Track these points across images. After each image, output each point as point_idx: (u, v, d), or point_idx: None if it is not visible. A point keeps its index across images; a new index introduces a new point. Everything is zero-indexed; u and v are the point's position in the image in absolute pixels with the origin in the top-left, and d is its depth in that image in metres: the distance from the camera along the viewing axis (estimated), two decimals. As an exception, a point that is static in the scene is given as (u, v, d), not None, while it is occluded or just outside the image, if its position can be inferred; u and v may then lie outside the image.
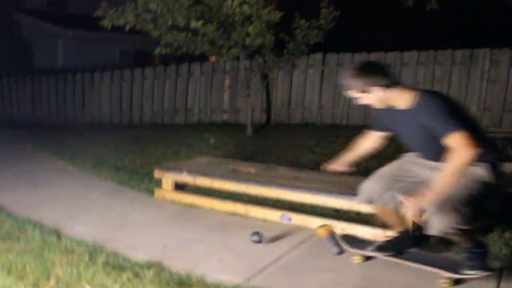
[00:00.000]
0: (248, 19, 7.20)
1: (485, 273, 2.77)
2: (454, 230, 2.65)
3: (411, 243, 3.17)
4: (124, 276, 2.89)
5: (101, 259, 3.14)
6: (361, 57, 8.88)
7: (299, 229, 3.82)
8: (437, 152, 2.74)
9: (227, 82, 10.09)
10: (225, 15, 7.11)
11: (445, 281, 2.81)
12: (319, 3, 7.96)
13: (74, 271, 2.95)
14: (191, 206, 4.44)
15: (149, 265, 3.06)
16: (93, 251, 3.30)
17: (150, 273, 2.94)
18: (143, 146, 7.30)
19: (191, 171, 4.54)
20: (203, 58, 9.78)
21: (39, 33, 15.37)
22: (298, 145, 7.23)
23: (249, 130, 8.38)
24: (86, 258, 3.15)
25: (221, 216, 4.18)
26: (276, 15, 7.05)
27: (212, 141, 7.80)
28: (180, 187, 4.76)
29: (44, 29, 15.07)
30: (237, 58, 8.42)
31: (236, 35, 7.38)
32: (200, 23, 7.03)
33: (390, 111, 2.92)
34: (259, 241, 3.47)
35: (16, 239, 3.50)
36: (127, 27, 7.40)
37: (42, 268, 3.00)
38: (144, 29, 7.53)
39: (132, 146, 7.34)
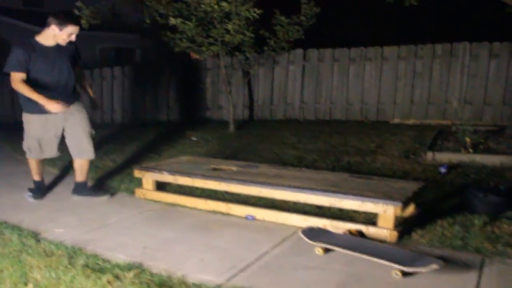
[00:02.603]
0: (227, 16, 7.16)
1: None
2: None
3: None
4: (104, 279, 2.85)
5: (80, 261, 3.09)
6: (341, 52, 8.92)
7: (282, 226, 3.82)
8: None
9: (208, 79, 10.04)
10: (204, 12, 7.06)
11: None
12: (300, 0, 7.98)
13: (53, 274, 2.91)
14: (173, 205, 4.41)
15: (129, 267, 3.03)
16: (73, 253, 3.25)
17: (130, 275, 2.90)
18: (123, 145, 7.22)
19: (171, 171, 4.50)
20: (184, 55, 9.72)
21: (16, 32, 15.14)
22: (280, 142, 7.23)
23: (231, 127, 8.35)
24: (65, 261, 3.10)
25: (203, 215, 4.16)
26: (255, 12, 7.01)
27: (194, 138, 7.78)
28: (161, 186, 4.72)
29: (22, 29, 14.90)
30: (218, 55, 8.39)
31: (216, 32, 7.34)
32: (178, 20, 6.97)
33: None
34: None
35: (-8, 243, 3.44)
36: (106, 26, 7.33)
37: (19, 272, 2.95)
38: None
39: (109, 145, 7.26)
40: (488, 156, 5.63)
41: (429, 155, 5.75)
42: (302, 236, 3.33)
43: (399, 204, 3.38)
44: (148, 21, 7.18)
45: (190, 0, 7.03)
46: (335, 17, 11.77)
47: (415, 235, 3.52)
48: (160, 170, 4.56)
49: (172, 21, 6.97)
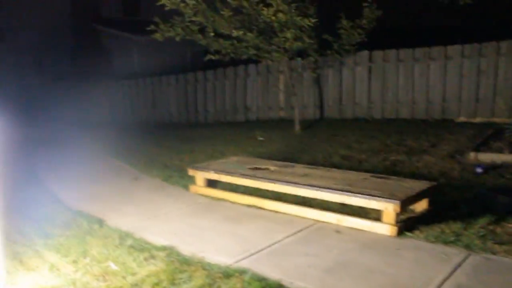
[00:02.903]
0: (285, 25, 7.74)
1: None
2: None
3: None
4: (142, 256, 3.61)
5: (128, 243, 3.89)
6: (406, 53, 9.11)
7: (302, 220, 4.36)
8: None
9: (281, 81, 10.67)
10: (264, 23, 7.72)
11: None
12: (362, 3, 8.32)
13: (105, 251, 3.72)
14: (218, 200, 5.12)
15: (164, 248, 3.76)
16: (124, 236, 4.05)
17: (162, 254, 3.64)
18: (195, 145, 8.10)
19: (217, 170, 5.21)
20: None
21: (116, 41, 16.83)
22: (338, 141, 7.67)
23: (297, 127, 8.92)
24: (117, 242, 3.91)
25: (240, 208, 4.82)
26: (310, 22, 7.52)
27: (261, 138, 8.45)
28: (212, 183, 5.43)
29: (121, 37, 16.49)
30: (290, 58, 9.00)
31: (277, 40, 7.96)
32: (241, 32, 7.70)
33: None
34: None
35: (68, 227, 4.34)
36: (178, 38, 8.25)
37: (82, 249, 3.79)
38: (193, 39, 8.33)
39: (185, 145, 8.18)
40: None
41: (472, 155, 5.93)
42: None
43: (398, 202, 3.79)
44: (212, 33, 7.98)
45: (251, 13, 7.71)
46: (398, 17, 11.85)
47: (416, 231, 3.90)
48: (208, 169, 5.28)
49: (235, 33, 7.71)
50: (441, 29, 12.30)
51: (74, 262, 3.57)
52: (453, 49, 8.71)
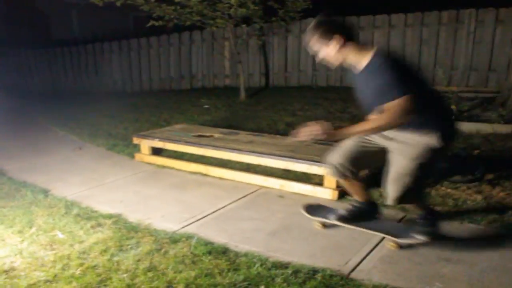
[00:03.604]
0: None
1: (429, 239, 3.08)
2: (407, 199, 2.96)
3: (370, 213, 3.45)
4: (89, 224, 3.65)
5: (74, 212, 3.92)
6: (351, 21, 9.28)
7: (247, 186, 4.52)
8: None
9: (227, 48, 10.65)
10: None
11: (393, 244, 3.15)
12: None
13: (51, 220, 3.74)
14: (163, 167, 5.19)
15: (110, 216, 3.81)
16: (70, 206, 4.07)
17: (109, 222, 3.70)
18: (139, 114, 8.06)
19: (161, 138, 5.26)
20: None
21: (53, 3, 16.03)
22: (283, 109, 7.83)
23: (242, 95, 9.00)
24: (63, 211, 3.93)
25: (185, 175, 4.91)
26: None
27: (206, 106, 8.49)
28: (157, 151, 5.48)
29: (57, 0, 15.71)
30: (235, 25, 8.98)
31: (221, 6, 7.94)
32: None
33: (353, 75, 2.92)
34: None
35: (12, 198, 4.30)
36: (118, 3, 8.08)
37: (27, 219, 3.78)
38: (135, 4, 8.16)
39: (130, 113, 8.12)
40: (465, 124, 6.04)
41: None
42: (304, 212, 3.61)
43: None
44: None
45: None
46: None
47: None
48: (152, 137, 5.33)
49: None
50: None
51: (20, 232, 3.57)
52: (397, 18, 8.95)
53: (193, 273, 2.85)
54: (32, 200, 4.23)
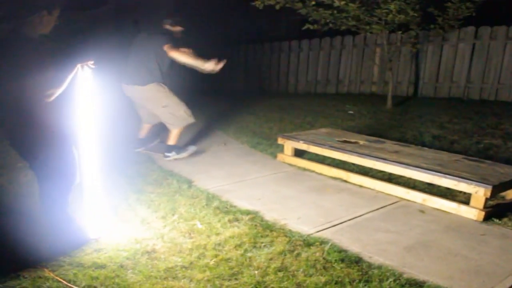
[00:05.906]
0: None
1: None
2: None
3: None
4: (226, 218, 3.73)
5: (214, 204, 4.03)
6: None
7: (387, 196, 4.28)
8: None
9: (377, 55, 10.33)
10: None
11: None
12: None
13: (192, 210, 3.89)
14: (304, 170, 5.14)
15: (248, 212, 3.86)
16: (211, 198, 4.20)
17: (246, 218, 3.74)
18: (284, 115, 8.13)
19: (306, 140, 5.21)
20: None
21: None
22: (431, 120, 7.35)
23: (389, 103, 8.65)
24: (204, 202, 4.07)
25: (325, 179, 4.82)
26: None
27: (351, 112, 8.30)
28: (299, 153, 5.45)
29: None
30: (390, 32, 8.68)
31: (379, 12, 7.68)
32: (343, 2, 7.50)
33: None
34: None
35: (159, 185, 4.57)
36: (277, 7, 8.22)
37: (171, 206, 3.98)
38: (293, 8, 8.25)
39: (275, 114, 8.23)
40: None
41: None
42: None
43: (490, 187, 3.61)
44: (313, 2, 7.87)
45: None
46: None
47: (505, 218, 3.74)
48: (297, 139, 5.30)
49: (337, 3, 7.54)
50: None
51: (163, 218, 3.76)
52: None
53: (323, 279, 2.77)
54: (177, 189, 4.44)
